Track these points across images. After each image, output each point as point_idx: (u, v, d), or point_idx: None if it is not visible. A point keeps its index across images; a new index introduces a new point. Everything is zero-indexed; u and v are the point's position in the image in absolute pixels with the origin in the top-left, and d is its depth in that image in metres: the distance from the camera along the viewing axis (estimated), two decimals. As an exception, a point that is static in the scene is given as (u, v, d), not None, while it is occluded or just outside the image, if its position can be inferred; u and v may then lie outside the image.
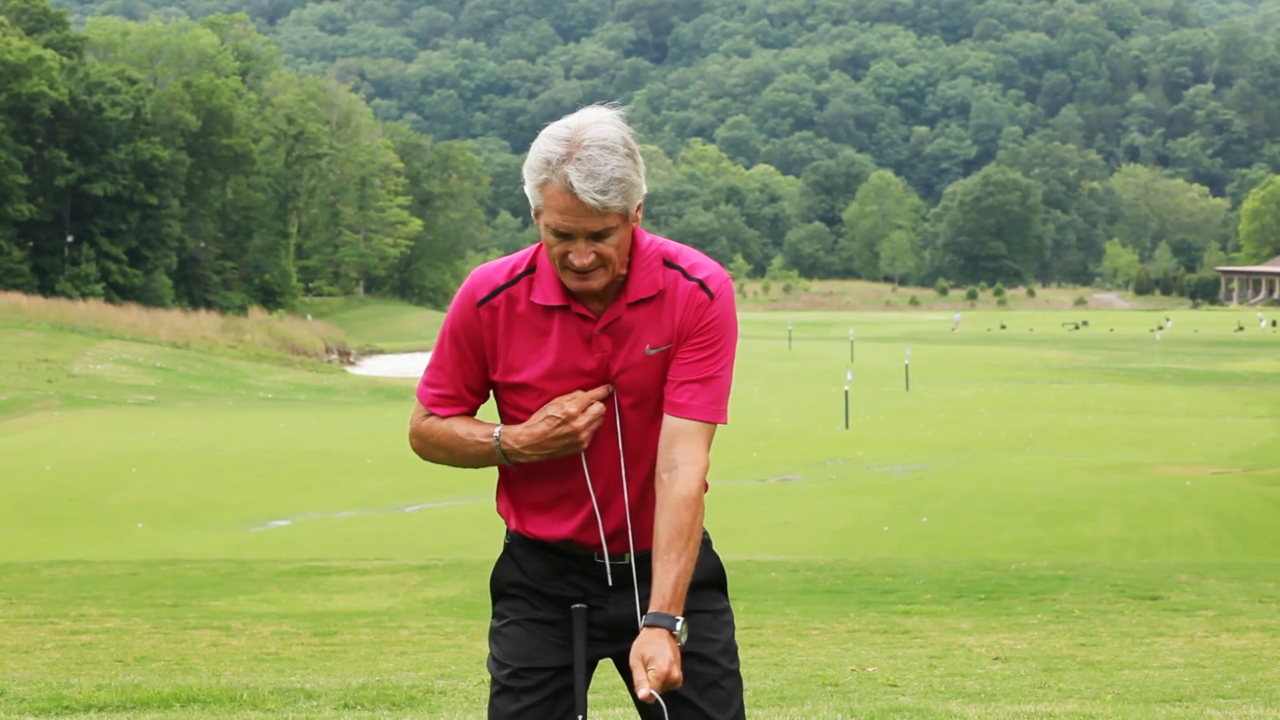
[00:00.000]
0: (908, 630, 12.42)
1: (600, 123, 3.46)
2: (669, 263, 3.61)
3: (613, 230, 3.47)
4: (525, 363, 3.62)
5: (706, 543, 3.78)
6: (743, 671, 3.79)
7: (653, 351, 3.59)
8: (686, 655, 3.66)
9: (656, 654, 3.43)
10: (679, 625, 3.47)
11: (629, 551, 3.67)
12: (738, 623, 3.86)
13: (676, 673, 3.43)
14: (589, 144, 3.42)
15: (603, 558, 3.67)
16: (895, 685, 9.28)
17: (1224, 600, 13.89)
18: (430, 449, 3.73)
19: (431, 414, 3.72)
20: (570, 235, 3.45)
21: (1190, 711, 7.84)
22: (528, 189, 3.50)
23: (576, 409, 3.56)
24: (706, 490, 3.60)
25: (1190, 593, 14.41)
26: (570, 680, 3.68)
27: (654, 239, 3.64)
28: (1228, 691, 8.83)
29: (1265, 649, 11.02)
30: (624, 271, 3.57)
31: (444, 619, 13.62)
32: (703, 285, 3.59)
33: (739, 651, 3.79)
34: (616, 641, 3.71)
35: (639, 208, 3.52)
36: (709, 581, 3.75)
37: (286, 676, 9.62)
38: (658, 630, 3.46)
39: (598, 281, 3.51)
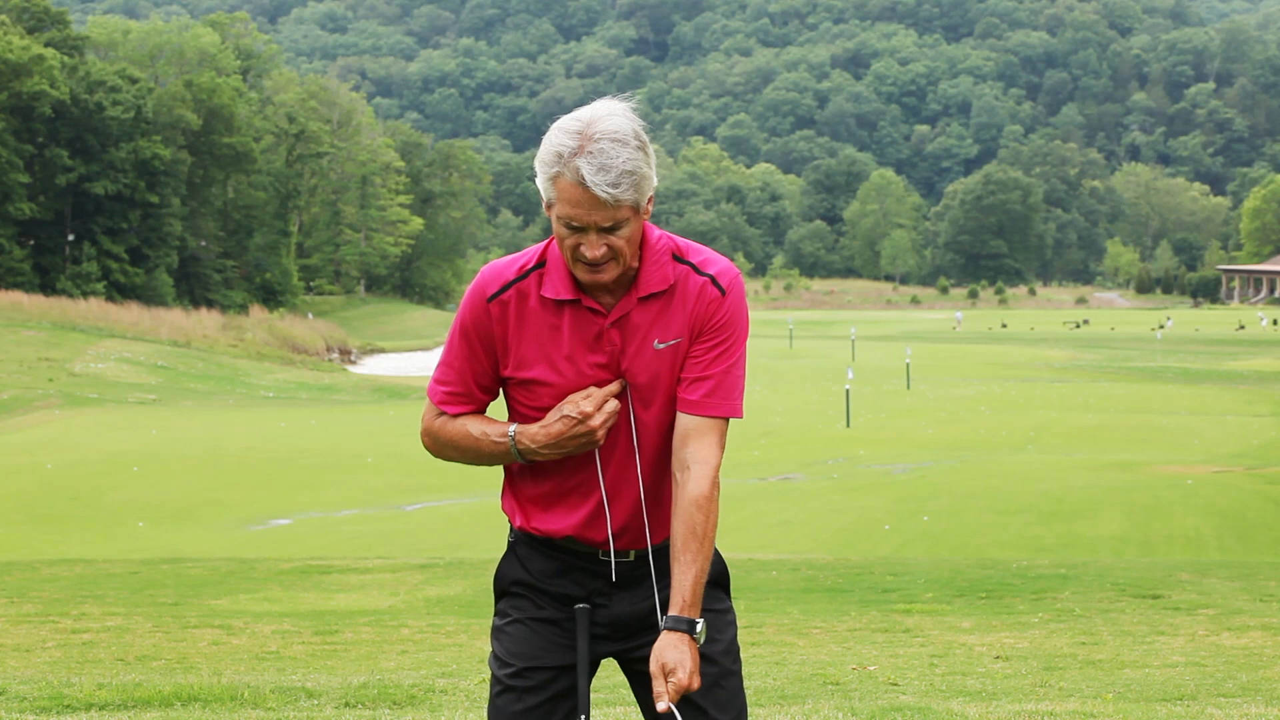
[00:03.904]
0: (909, 629, 12.41)
1: (611, 115, 3.47)
2: (678, 257, 3.61)
3: (624, 223, 3.47)
4: (537, 358, 3.60)
5: None
6: (744, 670, 3.78)
7: (661, 346, 3.58)
8: None
9: (678, 663, 3.44)
10: (699, 628, 3.49)
11: (634, 548, 3.66)
12: (739, 621, 3.84)
13: (696, 681, 3.46)
14: (600, 137, 3.42)
15: (608, 555, 3.66)
16: (896, 684, 9.28)
17: (1225, 599, 13.88)
18: (443, 448, 3.71)
19: (443, 413, 3.69)
20: (582, 228, 3.46)
21: (1191, 710, 7.83)
22: (540, 182, 3.50)
23: (592, 407, 3.55)
24: (719, 489, 3.59)
25: (1191, 591, 14.40)
26: (573, 680, 3.67)
27: (663, 234, 3.64)
28: (1229, 690, 8.82)
29: (1266, 647, 11.01)
30: (635, 265, 3.57)
31: (445, 618, 13.60)
32: (714, 281, 3.59)
33: (740, 651, 3.78)
34: (619, 639, 3.71)
35: (650, 200, 3.52)
36: (712, 580, 3.75)
37: (287, 675, 9.61)
38: (678, 635, 3.47)
39: (609, 274, 3.51)
